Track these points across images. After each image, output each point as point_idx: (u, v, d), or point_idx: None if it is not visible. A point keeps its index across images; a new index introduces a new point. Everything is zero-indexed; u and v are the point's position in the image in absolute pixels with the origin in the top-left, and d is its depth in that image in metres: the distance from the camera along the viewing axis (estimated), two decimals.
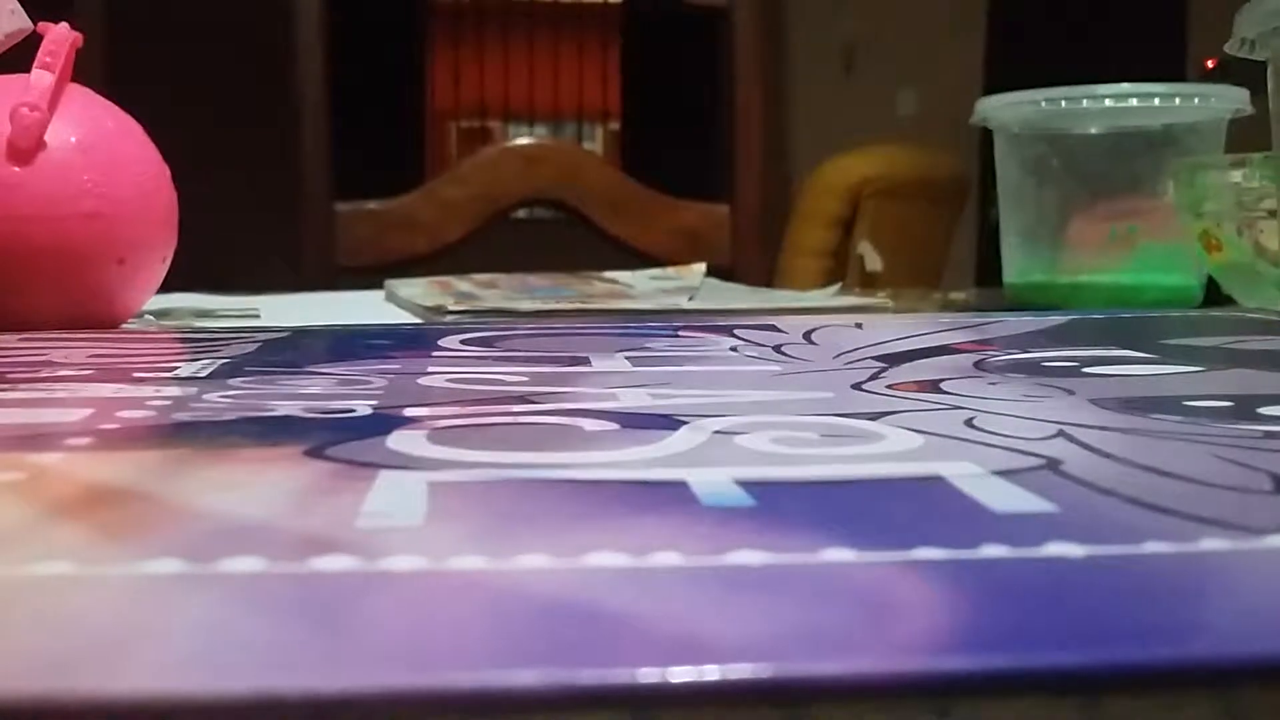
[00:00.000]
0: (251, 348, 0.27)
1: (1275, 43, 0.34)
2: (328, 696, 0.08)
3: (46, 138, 0.33)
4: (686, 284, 0.59)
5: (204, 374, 0.23)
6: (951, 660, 0.08)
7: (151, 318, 0.44)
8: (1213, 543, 0.11)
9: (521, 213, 1.03)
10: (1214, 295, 0.47)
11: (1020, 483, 0.13)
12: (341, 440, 0.16)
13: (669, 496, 0.13)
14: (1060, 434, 0.16)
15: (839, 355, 0.26)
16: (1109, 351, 0.26)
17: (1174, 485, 0.13)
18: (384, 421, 0.17)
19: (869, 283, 2.05)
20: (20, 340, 0.29)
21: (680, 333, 0.30)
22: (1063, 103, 0.48)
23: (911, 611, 0.09)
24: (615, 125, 3.48)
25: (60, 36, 0.34)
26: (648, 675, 0.08)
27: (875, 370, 0.23)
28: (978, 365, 0.24)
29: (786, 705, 0.08)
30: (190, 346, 0.27)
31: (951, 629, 0.09)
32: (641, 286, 0.58)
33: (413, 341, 0.29)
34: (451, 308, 0.46)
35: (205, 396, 0.20)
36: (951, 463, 0.14)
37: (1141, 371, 0.23)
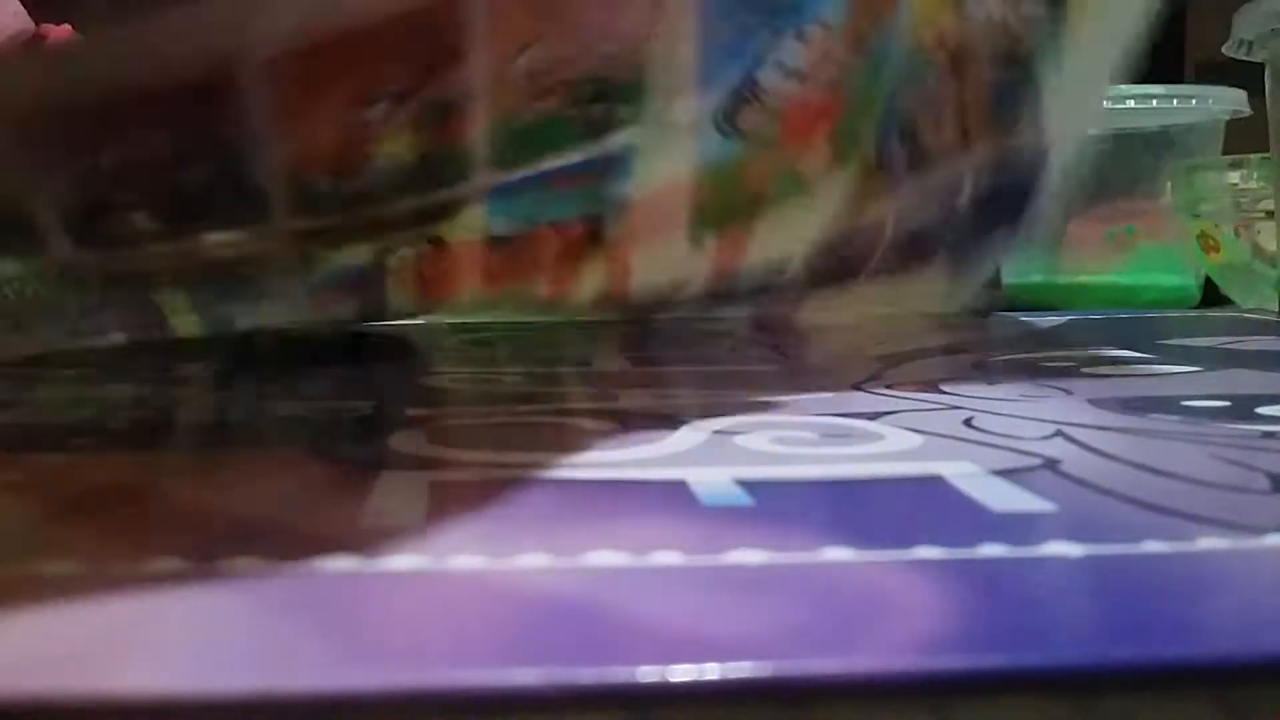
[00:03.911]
0: (253, 348, 0.27)
1: (1273, 44, 0.34)
2: (328, 696, 0.08)
3: None
4: None
5: (206, 374, 0.23)
6: (950, 659, 0.08)
7: None
8: (1211, 542, 0.11)
9: None
10: (1211, 296, 0.47)
11: (1019, 482, 0.13)
12: (342, 440, 0.16)
13: (669, 496, 0.13)
14: (1059, 434, 0.16)
15: (839, 355, 0.26)
16: (1107, 352, 0.26)
17: (1172, 485, 0.13)
18: (385, 421, 0.17)
19: None
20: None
21: (681, 333, 0.30)
22: None
23: (910, 611, 0.09)
24: None
25: (63, 39, 0.34)
26: (647, 674, 0.08)
27: (875, 370, 0.23)
28: (976, 365, 0.24)
29: (786, 704, 0.08)
30: (193, 346, 0.27)
31: (950, 628, 0.09)
32: None
33: (415, 341, 0.29)
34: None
35: (207, 396, 0.20)
36: (950, 462, 0.14)
37: (1139, 371, 0.23)
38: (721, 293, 0.31)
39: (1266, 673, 0.08)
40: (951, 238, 0.34)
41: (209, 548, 0.11)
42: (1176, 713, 0.08)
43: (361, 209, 0.22)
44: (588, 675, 0.08)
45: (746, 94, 0.24)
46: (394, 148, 0.21)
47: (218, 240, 0.21)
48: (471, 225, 0.23)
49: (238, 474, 0.14)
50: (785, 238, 0.29)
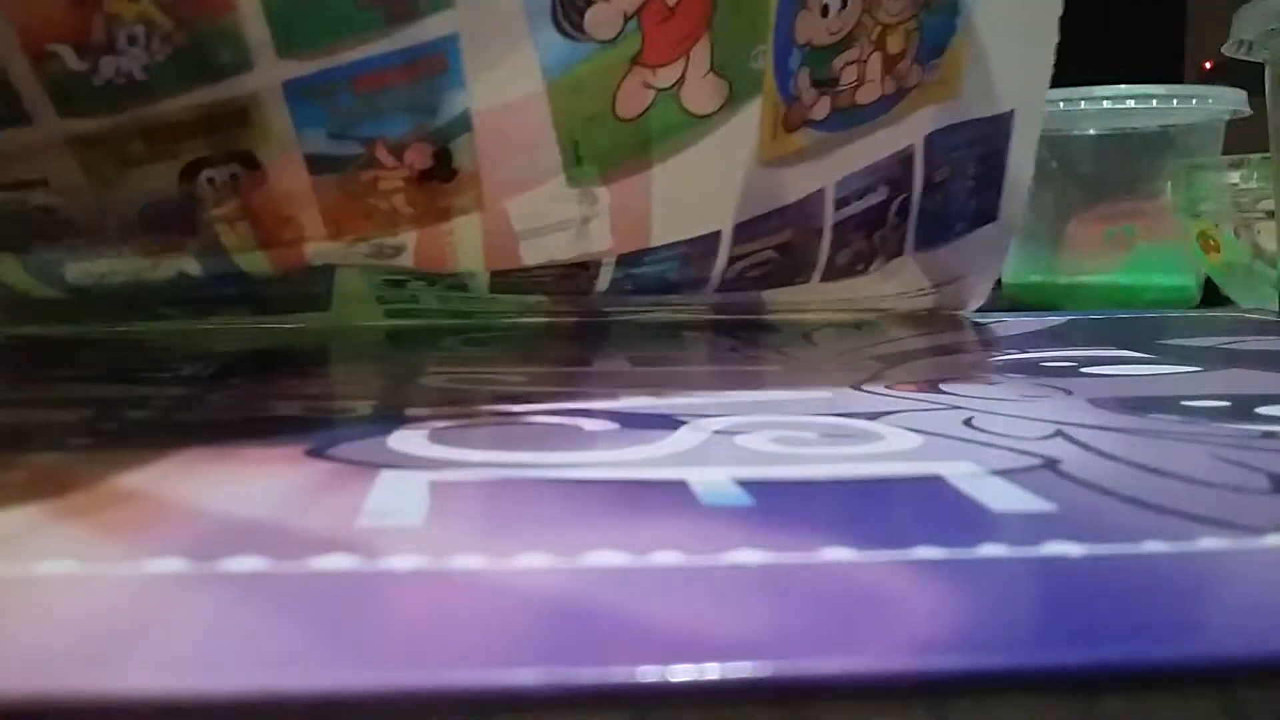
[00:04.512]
0: (252, 348, 0.27)
1: (1273, 44, 0.34)
2: (328, 696, 0.08)
3: None
4: None
5: (206, 374, 0.23)
6: (950, 659, 0.08)
7: None
8: (1211, 542, 0.11)
9: None
10: (1211, 296, 0.47)
11: (1019, 482, 0.13)
12: (342, 440, 0.16)
13: (669, 496, 0.13)
14: (1059, 434, 0.16)
15: (839, 355, 0.26)
16: (1107, 352, 0.26)
17: (1172, 485, 0.13)
18: (384, 421, 0.17)
19: None
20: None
21: (681, 333, 0.30)
22: (1061, 104, 0.48)
23: (910, 611, 0.09)
24: None
25: None
26: (647, 674, 0.08)
27: (875, 370, 0.23)
28: (976, 365, 0.24)
29: (786, 704, 0.08)
30: (193, 346, 0.27)
31: (950, 628, 0.09)
32: None
33: (414, 341, 0.29)
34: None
35: (207, 396, 0.20)
36: (950, 462, 0.14)
37: (1139, 371, 0.23)
38: (654, 277, 0.29)
39: (1267, 673, 0.08)
40: (920, 229, 0.32)
41: (209, 548, 0.11)
42: (1177, 713, 0.08)
43: (135, 104, 0.20)
44: (588, 675, 0.08)
45: None
46: (140, 9, 0.19)
47: None
48: (280, 135, 0.21)
49: (237, 473, 0.14)
50: (696, 191, 0.26)
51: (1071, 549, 0.11)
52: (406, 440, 0.16)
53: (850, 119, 0.29)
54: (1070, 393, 0.20)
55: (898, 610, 0.09)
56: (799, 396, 0.20)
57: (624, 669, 0.08)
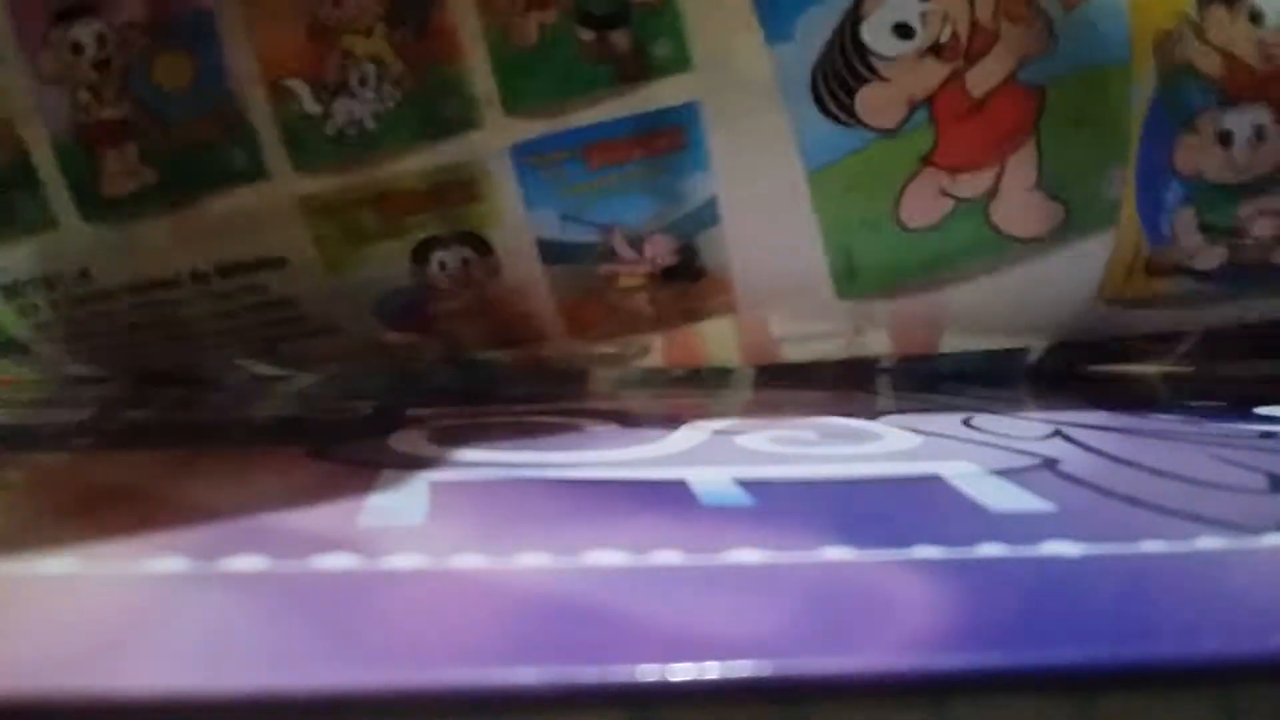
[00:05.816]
0: None
1: None
2: (329, 695, 0.08)
3: None
4: None
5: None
6: (949, 659, 0.08)
7: None
8: (1209, 542, 0.11)
9: None
10: None
11: (1018, 482, 0.13)
12: (343, 440, 0.16)
13: (668, 496, 0.13)
14: (1057, 433, 0.16)
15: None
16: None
17: (1170, 485, 0.13)
18: (385, 421, 0.17)
19: None
20: None
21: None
22: None
23: (909, 610, 0.09)
24: None
25: None
26: (647, 674, 0.08)
27: (873, 369, 0.23)
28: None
29: (786, 704, 0.08)
30: None
31: (949, 628, 0.09)
32: None
33: None
34: None
35: (207, 396, 0.20)
36: (950, 462, 0.14)
37: (1139, 371, 0.23)
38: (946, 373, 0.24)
39: (1266, 673, 0.08)
40: None
41: (209, 548, 0.11)
42: (1176, 713, 0.08)
43: (365, 160, 0.19)
44: (588, 675, 0.08)
45: (853, 58, 0.19)
46: (373, 47, 0.19)
47: (221, 204, 0.19)
48: (510, 212, 0.20)
49: (238, 474, 0.14)
50: (1004, 314, 0.22)
51: (1070, 549, 0.11)
52: (407, 440, 0.16)
53: (1255, 281, 0.21)
54: (1070, 392, 0.20)
55: (897, 609, 0.09)
56: (799, 395, 0.20)
57: (624, 669, 0.08)
